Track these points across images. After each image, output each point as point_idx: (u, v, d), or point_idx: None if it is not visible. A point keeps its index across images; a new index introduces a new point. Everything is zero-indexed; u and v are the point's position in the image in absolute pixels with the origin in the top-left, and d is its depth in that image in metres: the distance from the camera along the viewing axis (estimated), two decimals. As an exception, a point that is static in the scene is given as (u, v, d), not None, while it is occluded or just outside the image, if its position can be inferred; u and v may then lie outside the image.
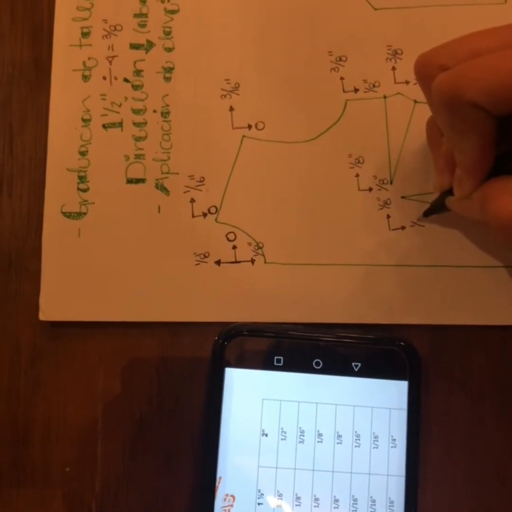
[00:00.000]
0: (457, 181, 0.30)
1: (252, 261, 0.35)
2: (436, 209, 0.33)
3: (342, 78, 0.36)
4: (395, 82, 0.36)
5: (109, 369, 0.34)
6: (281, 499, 0.31)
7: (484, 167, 0.28)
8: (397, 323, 0.34)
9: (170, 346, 0.34)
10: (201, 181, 0.35)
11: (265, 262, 0.35)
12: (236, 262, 0.35)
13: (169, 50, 0.36)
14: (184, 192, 0.35)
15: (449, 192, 0.31)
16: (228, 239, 0.35)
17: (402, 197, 0.35)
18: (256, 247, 0.35)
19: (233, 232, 0.35)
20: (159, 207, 0.35)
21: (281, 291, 0.34)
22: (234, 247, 0.35)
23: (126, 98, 0.36)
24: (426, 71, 0.28)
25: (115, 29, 0.36)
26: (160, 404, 0.34)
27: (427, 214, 0.34)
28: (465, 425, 0.34)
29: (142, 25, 0.36)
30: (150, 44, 0.36)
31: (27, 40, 0.37)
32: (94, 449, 0.34)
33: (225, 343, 0.31)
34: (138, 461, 0.33)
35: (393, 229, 0.35)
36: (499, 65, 0.25)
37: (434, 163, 0.33)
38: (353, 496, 0.31)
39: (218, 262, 0.35)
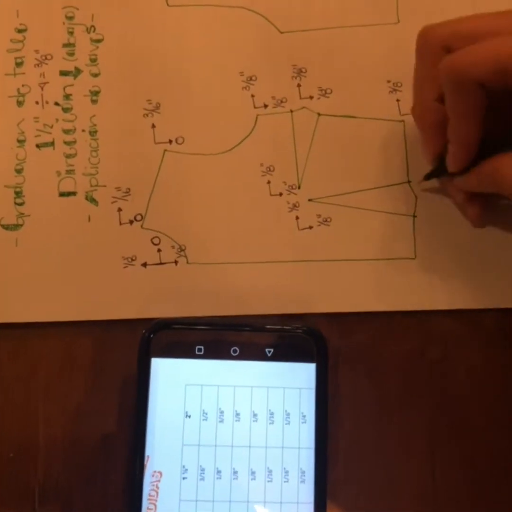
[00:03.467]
0: (452, 156, 0.33)
1: (176, 262, 0.38)
2: (437, 172, 0.36)
3: (253, 96, 0.40)
4: (300, 98, 0.40)
5: (48, 364, 0.37)
6: (204, 473, 0.33)
7: (476, 139, 0.31)
8: (308, 312, 0.37)
9: (102, 342, 0.37)
10: (127, 192, 0.39)
11: (187, 263, 0.38)
12: (161, 263, 0.38)
13: (95, 75, 0.40)
14: (112, 203, 0.39)
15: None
16: (153, 243, 0.38)
17: (309, 200, 0.39)
18: (179, 250, 0.38)
19: (157, 237, 0.38)
20: (89, 217, 0.38)
21: (202, 288, 0.38)
22: (159, 250, 0.38)
23: (57, 120, 0.39)
24: (428, 48, 0.32)
25: (46, 58, 0.40)
26: (96, 393, 0.37)
27: (428, 177, 0.37)
28: (372, 403, 0.37)
29: (70, 54, 0.40)
30: (78, 71, 0.40)
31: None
32: (36, 437, 0.37)
33: (151, 335, 0.34)
34: (77, 446, 0.37)
35: (302, 229, 0.39)
36: (501, 49, 0.28)
37: (423, 134, 0.35)
38: (268, 468, 0.33)
39: (144, 264, 0.38)
